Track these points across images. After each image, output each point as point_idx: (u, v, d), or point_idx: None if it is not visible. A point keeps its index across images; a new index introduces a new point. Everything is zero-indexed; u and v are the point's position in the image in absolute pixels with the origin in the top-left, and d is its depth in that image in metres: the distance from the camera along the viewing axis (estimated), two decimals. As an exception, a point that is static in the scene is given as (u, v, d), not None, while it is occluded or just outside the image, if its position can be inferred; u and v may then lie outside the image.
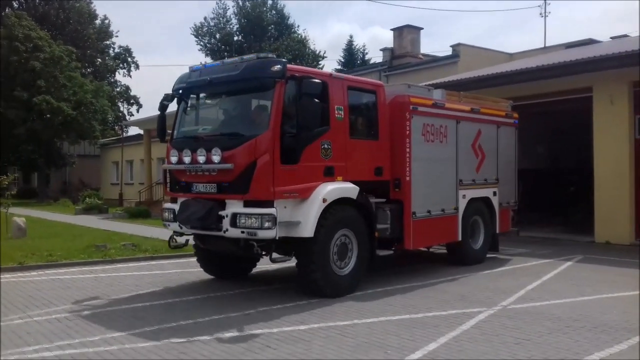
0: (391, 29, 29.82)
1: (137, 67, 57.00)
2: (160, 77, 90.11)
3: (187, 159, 8.15)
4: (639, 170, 13.96)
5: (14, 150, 38.34)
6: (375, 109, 9.15)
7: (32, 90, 36.81)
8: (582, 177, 17.19)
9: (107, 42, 56.35)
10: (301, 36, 54.06)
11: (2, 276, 9.80)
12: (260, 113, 8.11)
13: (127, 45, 57.34)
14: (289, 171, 7.71)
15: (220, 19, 55.74)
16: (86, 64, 51.52)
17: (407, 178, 9.37)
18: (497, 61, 22.99)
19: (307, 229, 7.69)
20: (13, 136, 36.94)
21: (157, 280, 9.61)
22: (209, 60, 49.56)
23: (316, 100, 7.69)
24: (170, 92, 9.01)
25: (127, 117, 53.26)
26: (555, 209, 19.62)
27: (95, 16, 54.90)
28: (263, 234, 7.47)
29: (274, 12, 55.88)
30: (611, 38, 23.66)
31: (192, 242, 9.04)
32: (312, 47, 53.73)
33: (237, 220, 7.58)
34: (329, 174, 8.22)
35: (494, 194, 11.52)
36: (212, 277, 9.60)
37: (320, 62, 52.75)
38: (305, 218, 7.73)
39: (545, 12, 37.75)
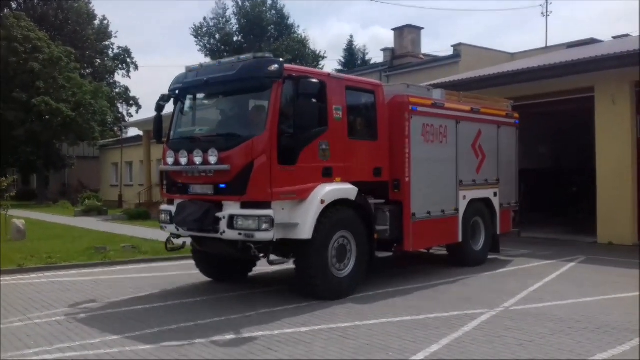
0: (392, 29, 29.88)
1: (137, 67, 57.20)
2: (159, 78, 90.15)
3: (183, 160, 8.07)
4: (641, 170, 13.89)
5: (13, 152, 38.24)
6: (374, 109, 9.07)
7: (31, 91, 36.82)
8: (584, 178, 17.14)
9: (106, 43, 56.41)
10: (301, 36, 54.09)
11: (1, 279, 9.75)
12: (257, 113, 8.01)
13: (126, 46, 57.56)
14: (287, 172, 7.63)
15: (220, 19, 55.73)
16: (85, 65, 51.60)
17: (407, 179, 9.29)
18: (498, 61, 22.97)
19: (305, 231, 7.62)
20: (12, 138, 36.90)
21: (157, 282, 9.55)
22: (208, 60, 49.53)
23: (314, 100, 7.61)
24: (167, 92, 8.93)
25: (127, 118, 53.37)
26: (557, 210, 19.57)
27: (94, 17, 55.03)
28: (260, 236, 7.39)
29: (273, 12, 55.80)
30: (613, 38, 23.61)
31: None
32: (312, 47, 53.85)
33: (235, 222, 7.50)
34: (327, 175, 8.14)
35: (495, 194, 11.44)
36: (210, 279, 9.52)
37: (320, 63, 52.83)
38: (304, 219, 7.65)
39: (546, 11, 38.03)
